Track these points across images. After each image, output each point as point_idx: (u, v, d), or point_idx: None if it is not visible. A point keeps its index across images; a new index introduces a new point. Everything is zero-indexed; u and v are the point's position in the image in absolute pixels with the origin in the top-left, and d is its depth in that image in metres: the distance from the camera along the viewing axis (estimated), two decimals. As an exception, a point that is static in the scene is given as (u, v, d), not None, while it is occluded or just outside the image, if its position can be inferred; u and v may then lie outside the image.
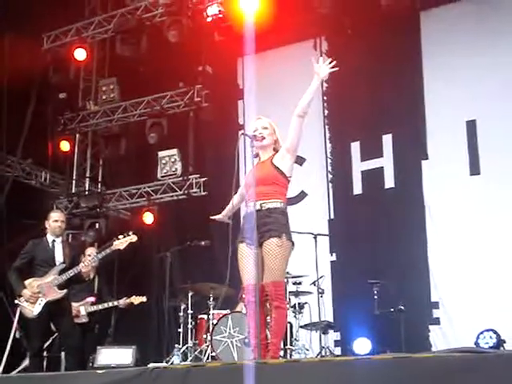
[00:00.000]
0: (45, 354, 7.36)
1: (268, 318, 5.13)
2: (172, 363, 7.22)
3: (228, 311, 7.35)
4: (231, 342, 7.03)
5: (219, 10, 9.55)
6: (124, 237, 6.81)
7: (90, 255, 7.39)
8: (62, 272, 6.51)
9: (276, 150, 5.12)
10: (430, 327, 8.24)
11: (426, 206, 8.59)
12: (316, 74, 5.03)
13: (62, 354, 7.29)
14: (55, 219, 6.75)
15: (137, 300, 8.04)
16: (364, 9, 9.03)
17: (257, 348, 4.63)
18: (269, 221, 4.82)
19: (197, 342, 7.61)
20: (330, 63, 5.03)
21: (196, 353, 7.38)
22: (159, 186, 10.43)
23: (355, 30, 9.25)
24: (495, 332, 7.11)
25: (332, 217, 9.21)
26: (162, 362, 7.05)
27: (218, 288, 7.41)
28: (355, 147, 9.20)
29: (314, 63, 5.03)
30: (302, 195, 9.22)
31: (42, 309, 6.40)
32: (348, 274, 8.71)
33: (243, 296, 4.89)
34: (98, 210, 10.68)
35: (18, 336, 8.64)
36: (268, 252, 4.78)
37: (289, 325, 7.09)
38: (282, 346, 6.19)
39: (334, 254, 9.02)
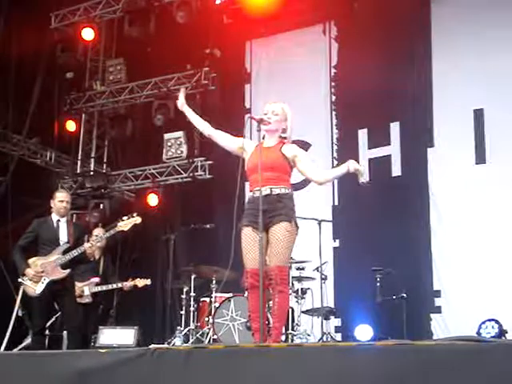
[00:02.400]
0: (47, 332, 7.40)
1: (270, 302, 5.15)
2: (174, 345, 7.25)
3: (230, 294, 7.36)
4: (233, 325, 7.05)
5: (228, -8, 9.52)
6: (128, 218, 6.82)
7: (97, 235, 7.41)
8: (65, 252, 6.51)
9: (283, 138, 5.09)
10: (432, 316, 8.26)
11: (430, 194, 8.58)
12: (349, 167, 4.96)
13: (65, 333, 7.32)
14: (60, 199, 6.74)
15: (141, 283, 8.05)
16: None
17: (258, 332, 4.65)
18: (279, 205, 4.83)
19: (199, 324, 7.64)
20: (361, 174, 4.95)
21: (198, 335, 7.42)
22: (164, 168, 10.42)
23: (364, 16, 9.19)
24: (497, 322, 7.11)
25: (336, 203, 9.20)
26: (163, 344, 7.07)
27: (221, 271, 7.41)
28: (362, 134, 9.17)
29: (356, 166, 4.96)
30: (306, 180, 9.18)
31: (44, 288, 6.40)
32: (351, 260, 8.71)
33: (245, 280, 4.89)
34: (103, 190, 10.69)
35: (20, 314, 8.70)
36: (276, 236, 4.78)
37: (291, 310, 7.10)
38: (283, 330, 6.20)
39: (337, 241, 9.02)
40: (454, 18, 8.75)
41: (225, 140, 5.25)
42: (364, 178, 5.01)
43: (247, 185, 5.17)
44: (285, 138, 5.08)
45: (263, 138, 5.02)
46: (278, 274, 4.76)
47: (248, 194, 5.07)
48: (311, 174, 5.08)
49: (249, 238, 4.85)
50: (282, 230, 4.78)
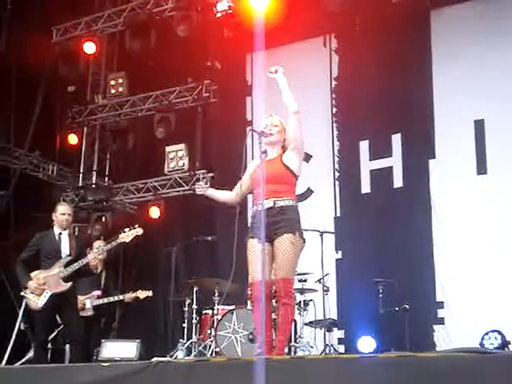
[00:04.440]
0: (49, 346, 7.39)
1: (273, 314, 5.13)
2: (176, 358, 7.23)
3: (233, 307, 7.35)
4: (235, 337, 7.04)
5: (229, 6, 9.54)
6: (130, 230, 6.82)
7: (98, 248, 7.41)
8: (67, 265, 6.52)
9: (284, 149, 5.12)
10: (435, 327, 8.22)
11: (432, 205, 8.58)
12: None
13: (67, 346, 7.31)
14: (62, 212, 6.76)
15: (143, 294, 8.04)
16: (374, 6, 9.01)
17: (262, 344, 4.64)
18: (282, 218, 4.84)
19: (201, 337, 7.63)
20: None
21: (200, 348, 7.40)
22: (166, 180, 10.43)
23: (365, 28, 9.24)
24: (500, 333, 7.08)
25: (338, 214, 9.20)
26: (166, 357, 7.06)
27: (223, 283, 7.41)
28: (364, 146, 9.18)
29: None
30: (308, 192, 9.21)
31: (46, 301, 6.41)
32: (353, 272, 8.69)
33: (249, 292, 4.88)
34: (105, 203, 10.70)
35: (22, 328, 8.70)
36: (281, 248, 4.79)
37: (293, 322, 7.08)
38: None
39: (339, 252, 9.00)
40: (454, 30, 8.78)
41: (244, 186, 5.23)
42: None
43: (250, 197, 5.17)
44: (285, 149, 5.11)
45: (264, 153, 5.03)
46: (282, 287, 4.76)
47: (253, 208, 5.06)
48: (289, 115, 5.12)
49: (254, 249, 4.85)
50: (286, 242, 4.78)
